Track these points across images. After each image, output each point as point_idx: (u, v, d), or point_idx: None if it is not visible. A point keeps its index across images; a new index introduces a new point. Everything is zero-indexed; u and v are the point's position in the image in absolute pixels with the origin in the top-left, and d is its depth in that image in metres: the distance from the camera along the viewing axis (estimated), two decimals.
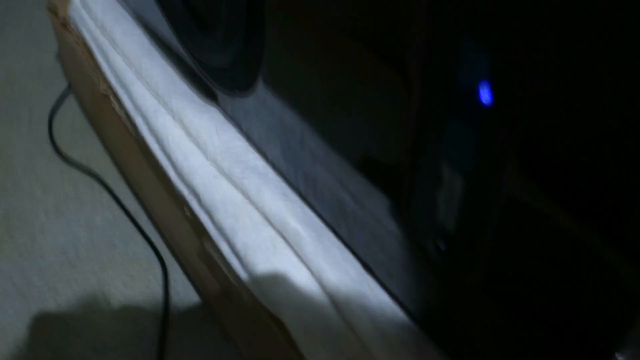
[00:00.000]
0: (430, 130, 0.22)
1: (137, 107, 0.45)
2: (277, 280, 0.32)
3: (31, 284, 0.52)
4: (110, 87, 0.51)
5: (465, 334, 0.27)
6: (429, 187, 0.23)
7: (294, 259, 0.33)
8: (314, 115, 0.33)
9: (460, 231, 0.23)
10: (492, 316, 0.25)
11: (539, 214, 0.19)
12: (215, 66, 0.39)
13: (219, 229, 0.36)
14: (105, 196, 0.60)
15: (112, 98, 0.50)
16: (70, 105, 0.73)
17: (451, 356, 0.28)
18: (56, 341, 0.48)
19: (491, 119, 0.19)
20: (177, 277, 0.52)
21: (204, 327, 0.48)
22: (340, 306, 0.30)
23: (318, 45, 0.29)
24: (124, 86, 0.48)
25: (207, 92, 0.44)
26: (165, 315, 0.49)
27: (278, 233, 0.34)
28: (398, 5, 0.22)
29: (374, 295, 0.30)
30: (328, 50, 0.28)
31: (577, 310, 0.20)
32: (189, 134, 0.40)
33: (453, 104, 0.21)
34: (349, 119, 0.29)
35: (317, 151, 0.34)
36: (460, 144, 0.21)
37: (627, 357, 0.20)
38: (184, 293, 0.51)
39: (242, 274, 0.34)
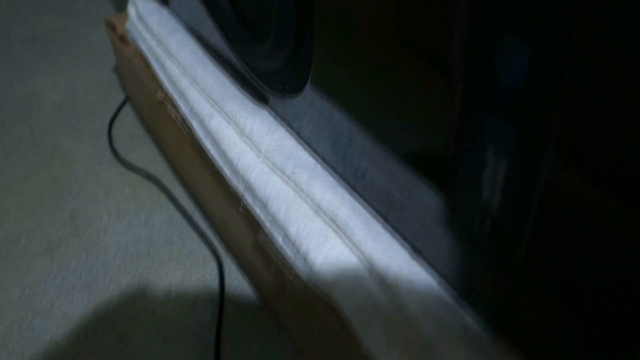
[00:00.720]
0: (473, 119, 0.24)
1: (192, 112, 0.49)
2: (328, 265, 0.34)
3: (97, 277, 0.56)
4: (166, 94, 0.54)
5: (510, 312, 0.28)
6: (473, 172, 0.25)
7: (345, 245, 0.35)
8: (361, 114, 0.35)
9: (503, 213, 0.25)
10: (536, 294, 0.27)
11: (580, 196, 0.21)
12: (266, 71, 0.42)
13: (273, 220, 0.39)
14: (163, 198, 0.64)
15: (168, 105, 0.54)
16: (128, 115, 0.78)
17: (497, 334, 0.30)
18: (121, 329, 0.51)
19: (530, 105, 0.21)
20: (232, 271, 0.55)
21: (258, 317, 0.51)
22: (390, 288, 0.32)
23: (364, 50, 0.31)
24: (179, 93, 0.51)
25: (258, 96, 0.47)
26: (221, 305, 0.52)
27: (329, 223, 0.36)
28: (440, 10, 0.24)
29: (422, 276, 0.32)
30: (374, 53, 0.30)
31: (618, 294, 0.21)
32: (242, 134, 0.43)
33: (494, 94, 0.23)
34: (395, 116, 0.31)
35: (364, 148, 0.36)
36: (503, 130, 0.23)
37: None
38: (239, 286, 0.54)
39: (295, 262, 0.37)
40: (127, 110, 0.78)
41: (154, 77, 0.57)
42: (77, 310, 0.53)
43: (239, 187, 0.42)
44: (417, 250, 0.34)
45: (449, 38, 0.24)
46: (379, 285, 0.33)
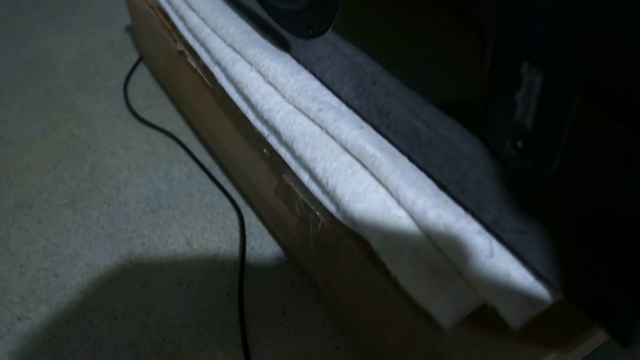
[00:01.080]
0: (512, 29, 0.24)
1: (214, 60, 0.49)
2: (356, 198, 0.35)
3: (119, 228, 0.57)
4: (186, 44, 0.54)
5: (535, 233, 0.29)
6: (507, 89, 0.26)
7: (372, 179, 0.36)
8: (386, 55, 0.35)
9: (537, 127, 0.25)
10: (563, 215, 0.27)
11: (612, 109, 0.21)
12: (290, 12, 0.42)
13: (299, 159, 0.39)
14: (181, 152, 0.65)
15: (188, 55, 0.54)
16: (143, 74, 0.78)
17: (520, 257, 0.30)
18: (145, 277, 0.52)
19: (569, 11, 0.21)
20: (252, 222, 0.56)
21: (279, 263, 0.52)
22: (417, 218, 0.33)
23: None
24: (200, 42, 0.51)
25: (280, 42, 0.47)
26: (243, 252, 0.53)
27: (356, 159, 0.37)
28: None
29: (448, 207, 0.33)
30: None
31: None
32: (266, 78, 0.44)
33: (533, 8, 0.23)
34: (421, 55, 0.32)
35: (389, 87, 0.36)
36: (540, 40, 0.23)
37: None
38: (259, 234, 0.55)
39: (323, 199, 0.37)
40: (142, 69, 0.78)
41: (173, 28, 0.57)
42: (101, 259, 0.54)
43: (264, 130, 0.43)
44: (442, 186, 0.35)
45: None
46: (408, 216, 0.33)
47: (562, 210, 0.27)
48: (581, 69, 0.22)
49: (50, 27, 0.90)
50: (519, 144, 0.27)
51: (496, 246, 0.31)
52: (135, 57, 0.80)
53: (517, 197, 0.30)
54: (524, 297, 0.29)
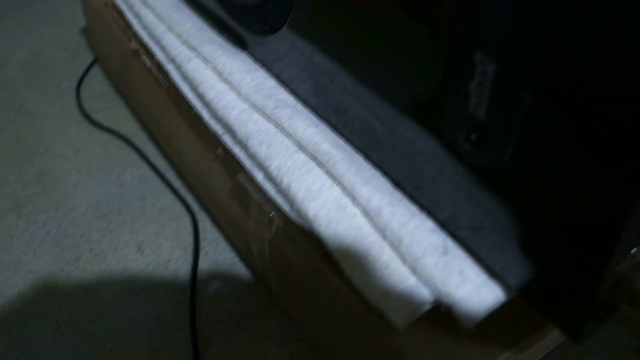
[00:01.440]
0: (464, 18, 0.24)
1: (168, 57, 0.48)
2: (310, 196, 0.34)
3: (66, 234, 0.54)
4: (140, 42, 0.53)
5: (489, 230, 0.28)
6: (461, 80, 0.25)
7: (327, 177, 0.35)
8: (343, 54, 0.35)
9: (490, 118, 0.25)
10: (516, 210, 0.27)
11: (564, 98, 0.21)
12: (246, 7, 0.41)
13: (253, 157, 0.38)
14: (134, 156, 0.62)
15: (142, 54, 0.53)
16: (97, 76, 0.75)
17: (474, 255, 0.30)
18: (92, 284, 0.50)
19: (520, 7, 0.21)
20: (207, 227, 0.54)
21: (233, 270, 0.51)
22: (371, 216, 0.32)
23: None
24: (155, 40, 0.50)
25: (237, 40, 0.46)
26: (196, 259, 0.51)
27: (311, 156, 0.36)
28: None
29: (403, 205, 0.32)
30: None
31: (584, 205, 0.22)
32: (221, 75, 0.42)
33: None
34: (377, 52, 0.31)
35: (347, 85, 0.36)
36: (493, 28, 0.23)
37: None
38: (213, 240, 0.53)
39: (276, 197, 0.36)
40: (96, 71, 0.76)
41: (127, 26, 0.55)
42: (46, 266, 0.52)
43: (218, 129, 0.42)
44: (397, 184, 0.34)
45: None
46: (362, 214, 0.33)
47: (514, 205, 0.27)
48: (534, 57, 0.22)
49: (1, 25, 0.87)
50: (473, 137, 0.26)
51: (450, 244, 0.31)
52: (89, 58, 0.78)
53: (471, 193, 0.29)
54: (478, 295, 0.29)
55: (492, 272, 0.30)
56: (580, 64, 0.20)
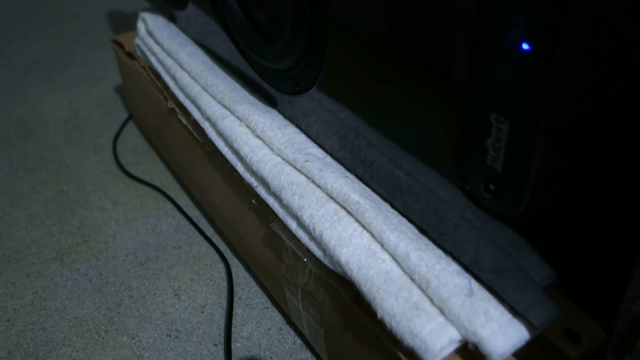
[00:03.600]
0: (480, 85, 0.27)
1: (204, 116, 0.52)
2: (342, 243, 0.36)
3: (107, 281, 0.57)
4: (177, 102, 0.57)
5: (510, 272, 0.31)
6: (478, 137, 0.28)
7: (357, 225, 0.37)
8: (367, 110, 0.38)
9: (506, 170, 0.28)
10: (534, 252, 0.29)
11: (570, 153, 0.24)
12: (277, 71, 0.45)
13: (287, 207, 0.41)
14: (169, 206, 0.66)
15: (179, 111, 0.57)
16: (132, 131, 0.80)
17: (498, 295, 0.32)
18: (132, 329, 0.53)
19: (528, 75, 0.24)
20: (240, 272, 0.57)
21: (266, 313, 0.53)
22: (400, 260, 0.35)
23: (371, 53, 0.34)
24: (191, 100, 0.54)
25: (268, 99, 0.50)
26: (230, 303, 0.54)
27: (341, 206, 0.39)
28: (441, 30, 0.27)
29: (429, 250, 0.35)
30: (379, 57, 0.34)
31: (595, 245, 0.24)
32: (254, 132, 0.46)
33: (499, 67, 0.26)
34: (400, 109, 0.35)
35: (371, 139, 0.39)
36: (506, 95, 0.26)
37: None
38: (246, 285, 0.56)
39: (309, 244, 0.39)
40: (131, 127, 0.81)
41: (164, 87, 0.59)
42: (89, 312, 0.54)
43: (252, 181, 0.45)
44: (423, 230, 0.37)
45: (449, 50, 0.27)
46: (391, 259, 0.35)
47: (534, 249, 0.29)
48: (541, 118, 0.25)
49: (41, 87, 0.93)
50: (492, 187, 0.29)
51: (475, 285, 0.33)
52: (124, 115, 0.83)
53: (492, 238, 0.32)
54: (504, 333, 0.31)
55: (516, 312, 0.32)
56: (582, 123, 0.23)
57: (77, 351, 0.51)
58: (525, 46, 0.23)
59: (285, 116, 0.48)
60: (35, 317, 0.54)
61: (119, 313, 0.54)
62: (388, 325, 0.33)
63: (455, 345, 0.32)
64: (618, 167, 0.23)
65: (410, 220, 0.38)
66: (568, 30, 0.22)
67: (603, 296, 0.27)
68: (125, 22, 1.12)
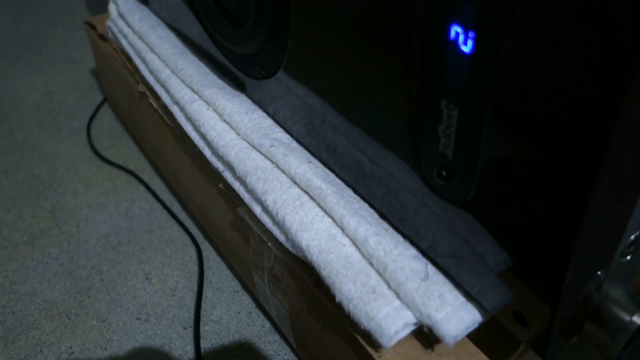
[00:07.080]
0: (431, 72, 0.27)
1: (173, 100, 0.51)
2: (303, 228, 0.37)
3: (78, 265, 0.57)
4: (147, 85, 0.57)
5: (465, 257, 0.31)
6: (431, 124, 0.29)
7: (319, 210, 0.38)
8: (333, 95, 0.38)
9: (457, 156, 0.28)
10: (488, 236, 0.30)
11: (516, 139, 0.24)
12: (244, 55, 0.45)
13: (252, 192, 0.41)
14: (142, 190, 0.66)
15: (149, 95, 0.56)
16: (106, 114, 0.79)
17: (453, 280, 0.33)
18: (103, 313, 0.53)
19: (474, 65, 0.25)
20: (211, 256, 0.57)
21: (236, 297, 0.53)
22: (359, 245, 0.35)
23: (335, 38, 0.34)
24: (160, 83, 0.54)
25: (236, 84, 0.50)
26: (200, 287, 0.54)
27: (304, 191, 0.39)
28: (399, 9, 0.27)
29: (388, 235, 0.35)
30: (344, 41, 0.34)
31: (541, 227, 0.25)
32: (221, 116, 0.46)
33: (447, 57, 0.26)
34: (364, 96, 0.35)
35: (337, 125, 0.39)
36: (454, 82, 0.26)
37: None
38: (217, 269, 0.56)
39: (273, 228, 0.39)
40: (106, 110, 0.80)
41: (135, 69, 0.59)
42: (59, 296, 0.54)
43: (219, 165, 0.45)
44: (383, 215, 0.38)
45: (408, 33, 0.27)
46: (351, 243, 0.36)
47: (488, 233, 0.29)
48: (488, 105, 0.25)
49: (15, 69, 0.91)
50: (443, 173, 0.29)
51: (431, 269, 0.34)
52: (99, 98, 0.82)
53: (450, 224, 0.32)
54: (457, 316, 0.31)
55: (470, 296, 0.32)
56: (529, 111, 0.24)
57: (47, 334, 0.51)
58: (470, 34, 0.24)
59: (254, 101, 0.48)
60: (5, 300, 0.54)
61: (89, 297, 0.54)
62: (346, 308, 0.33)
63: (411, 329, 0.33)
64: (561, 152, 0.23)
65: (372, 206, 0.38)
66: (512, 17, 0.22)
67: (549, 278, 0.27)
68: (102, 3, 1.10)
